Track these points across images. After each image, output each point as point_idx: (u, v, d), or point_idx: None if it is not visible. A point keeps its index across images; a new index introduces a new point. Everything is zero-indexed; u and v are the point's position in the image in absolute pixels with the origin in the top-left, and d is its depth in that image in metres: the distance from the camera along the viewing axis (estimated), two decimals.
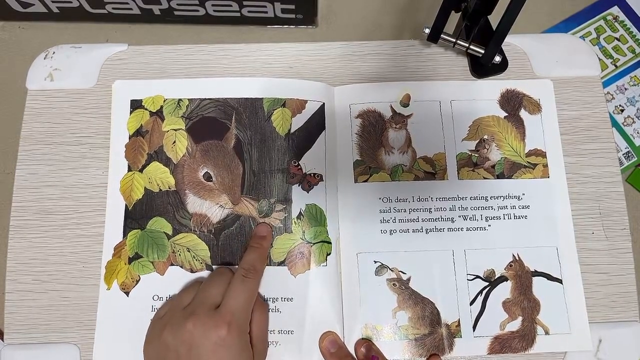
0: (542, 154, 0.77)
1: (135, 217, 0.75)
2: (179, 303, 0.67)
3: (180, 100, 0.79)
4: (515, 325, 0.72)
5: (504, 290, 0.73)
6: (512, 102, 0.79)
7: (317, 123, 0.78)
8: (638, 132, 0.86)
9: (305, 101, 0.78)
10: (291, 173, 0.76)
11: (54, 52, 0.81)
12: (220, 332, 0.61)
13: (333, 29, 0.89)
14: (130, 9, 0.84)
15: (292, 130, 0.77)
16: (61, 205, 0.76)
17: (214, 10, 0.84)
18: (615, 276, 0.75)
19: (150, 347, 0.66)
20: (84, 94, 0.79)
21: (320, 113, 0.78)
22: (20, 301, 0.73)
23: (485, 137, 0.78)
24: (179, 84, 0.80)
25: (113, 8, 0.84)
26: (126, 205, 0.76)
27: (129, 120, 0.79)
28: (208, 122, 0.78)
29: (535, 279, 0.74)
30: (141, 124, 0.78)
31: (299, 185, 0.76)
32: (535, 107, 0.79)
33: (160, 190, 0.76)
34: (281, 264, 0.73)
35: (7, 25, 0.88)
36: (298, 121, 0.78)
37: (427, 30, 0.74)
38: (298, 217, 0.75)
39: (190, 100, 0.79)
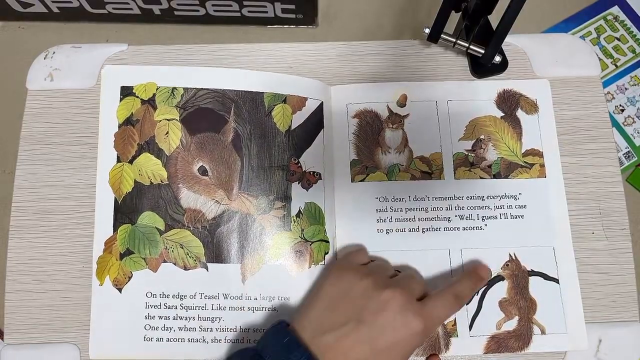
0: (539, 154, 0.77)
1: (125, 211, 0.75)
2: (383, 268, 0.69)
3: (174, 88, 0.78)
4: (511, 324, 0.72)
5: (501, 290, 0.73)
6: (509, 102, 0.79)
7: (316, 121, 0.78)
8: (638, 132, 0.85)
9: (306, 98, 0.78)
10: (291, 170, 0.76)
11: (54, 52, 0.81)
12: (417, 325, 0.61)
13: (333, 29, 0.89)
14: (130, 9, 0.84)
15: (292, 127, 0.77)
16: (61, 205, 0.76)
17: (214, 10, 0.84)
18: (615, 276, 0.75)
19: (338, 277, 0.67)
20: (84, 94, 0.79)
21: (319, 111, 0.78)
22: (20, 301, 0.73)
23: (482, 137, 0.78)
24: (173, 71, 0.79)
25: (113, 8, 0.84)
26: (115, 198, 0.75)
27: (118, 108, 0.78)
28: (204, 113, 0.77)
29: (532, 279, 0.74)
30: (131, 113, 0.77)
31: (298, 183, 0.75)
32: (532, 107, 0.79)
33: (152, 183, 0.75)
34: (278, 262, 0.73)
35: (7, 25, 0.88)
36: (298, 118, 0.77)
37: (427, 30, 0.74)
38: (297, 216, 0.74)
39: (185, 89, 0.78)
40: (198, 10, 0.84)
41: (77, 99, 0.79)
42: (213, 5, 0.83)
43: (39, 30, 0.87)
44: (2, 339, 0.75)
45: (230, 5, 0.83)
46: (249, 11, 0.84)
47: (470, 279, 0.70)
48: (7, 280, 0.74)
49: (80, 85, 0.80)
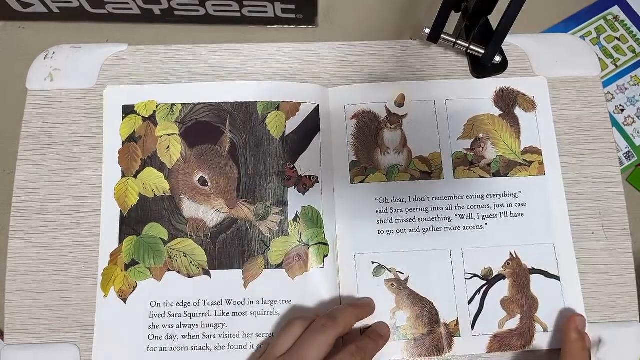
0: (537, 152, 0.77)
1: (130, 223, 0.75)
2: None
3: (173, 105, 0.79)
4: (513, 323, 0.72)
5: (502, 289, 0.73)
6: (507, 100, 0.79)
7: (312, 125, 0.78)
8: (638, 132, 0.85)
9: (299, 103, 0.79)
10: (287, 176, 0.76)
11: (54, 52, 0.81)
12: None
13: (333, 29, 0.89)
14: (130, 9, 0.84)
15: (286, 133, 0.78)
16: (61, 205, 0.76)
17: (214, 10, 0.85)
18: (615, 276, 0.74)
19: None
20: (83, 94, 0.80)
21: (314, 115, 0.79)
22: (20, 301, 0.73)
23: (481, 135, 0.78)
24: (171, 88, 0.80)
25: (113, 8, 0.84)
26: (121, 211, 0.76)
27: (121, 126, 0.79)
28: (202, 126, 0.78)
29: (533, 277, 0.74)
30: (134, 130, 0.78)
31: (294, 188, 0.76)
32: (529, 104, 0.79)
33: (155, 195, 0.76)
34: (279, 266, 0.74)
35: (7, 25, 0.88)
36: (292, 124, 0.78)
37: (427, 30, 0.74)
38: (294, 220, 0.75)
39: (183, 105, 0.79)
40: (198, 10, 0.85)
41: (77, 99, 0.79)
42: (213, 5, 0.83)
43: (39, 30, 0.88)
44: (2, 339, 0.75)
45: (230, 5, 0.83)
46: (249, 11, 0.85)
47: (369, 337, 0.69)
48: (7, 280, 0.74)
49: (80, 85, 0.80)
